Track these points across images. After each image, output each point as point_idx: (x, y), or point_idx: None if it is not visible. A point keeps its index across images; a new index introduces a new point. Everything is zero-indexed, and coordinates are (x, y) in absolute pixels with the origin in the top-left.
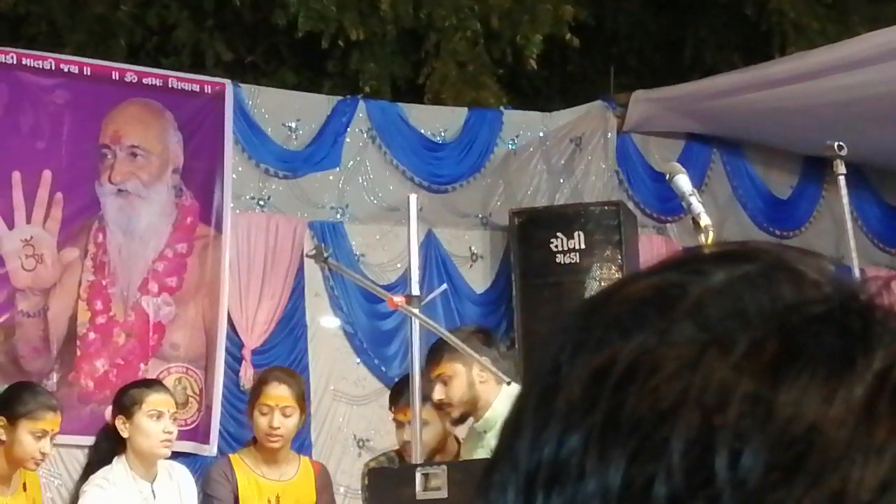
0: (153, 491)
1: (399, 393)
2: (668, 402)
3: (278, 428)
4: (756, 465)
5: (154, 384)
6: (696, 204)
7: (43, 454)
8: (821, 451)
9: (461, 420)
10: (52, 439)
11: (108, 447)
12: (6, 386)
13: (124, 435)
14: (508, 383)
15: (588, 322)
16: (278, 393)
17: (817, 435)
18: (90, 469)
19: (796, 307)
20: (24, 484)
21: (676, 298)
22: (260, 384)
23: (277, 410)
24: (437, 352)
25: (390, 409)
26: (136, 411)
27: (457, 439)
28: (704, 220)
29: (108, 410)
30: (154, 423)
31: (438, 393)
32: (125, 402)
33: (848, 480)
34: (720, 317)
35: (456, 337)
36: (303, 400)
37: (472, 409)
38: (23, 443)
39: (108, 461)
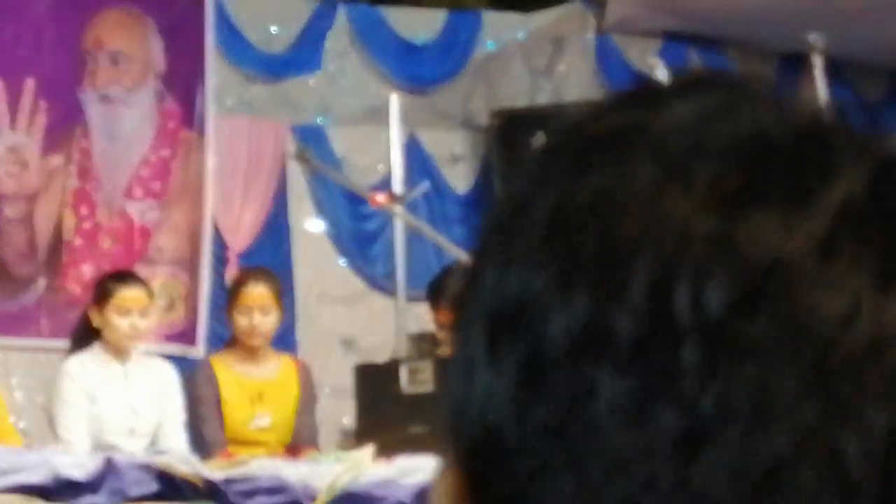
0: (125, 371)
1: (440, 293)
2: (628, 240)
3: (259, 326)
4: (718, 300)
5: (128, 279)
6: None
7: None
8: (783, 285)
9: None
10: None
11: (87, 329)
12: None
13: (95, 324)
14: None
15: (547, 163)
16: (257, 292)
17: (778, 268)
18: (72, 347)
19: (756, 138)
20: None
21: (636, 135)
22: (237, 285)
23: (257, 309)
24: None
25: (431, 308)
26: (106, 304)
27: None
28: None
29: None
30: (120, 319)
31: None
32: (99, 293)
33: (811, 314)
34: (680, 152)
35: None
36: (280, 297)
37: None
38: None
39: (86, 341)
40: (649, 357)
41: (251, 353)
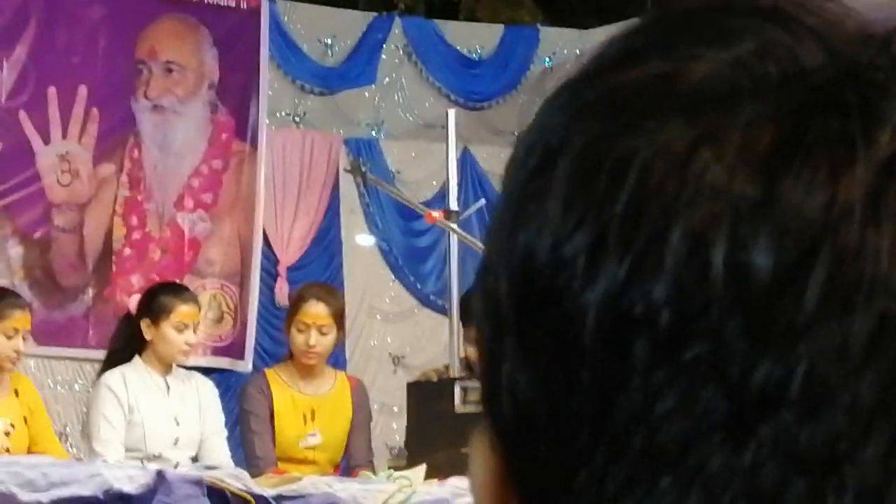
0: (167, 383)
1: (471, 308)
2: (659, 210)
3: (315, 346)
4: (762, 269)
5: (183, 293)
6: None
7: (17, 352)
8: (830, 249)
9: None
10: (24, 338)
11: (129, 340)
12: None
13: (147, 337)
14: None
15: (569, 119)
16: (316, 311)
17: (822, 231)
18: (110, 357)
19: (789, 84)
20: (16, 390)
21: (664, 91)
22: (298, 301)
23: (314, 329)
24: None
25: (464, 325)
26: (163, 319)
27: None
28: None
29: (134, 300)
30: (178, 335)
31: None
32: (153, 307)
33: (865, 276)
34: (711, 108)
35: None
36: (341, 317)
37: None
38: None
39: (128, 352)
40: (690, 335)
41: (306, 370)
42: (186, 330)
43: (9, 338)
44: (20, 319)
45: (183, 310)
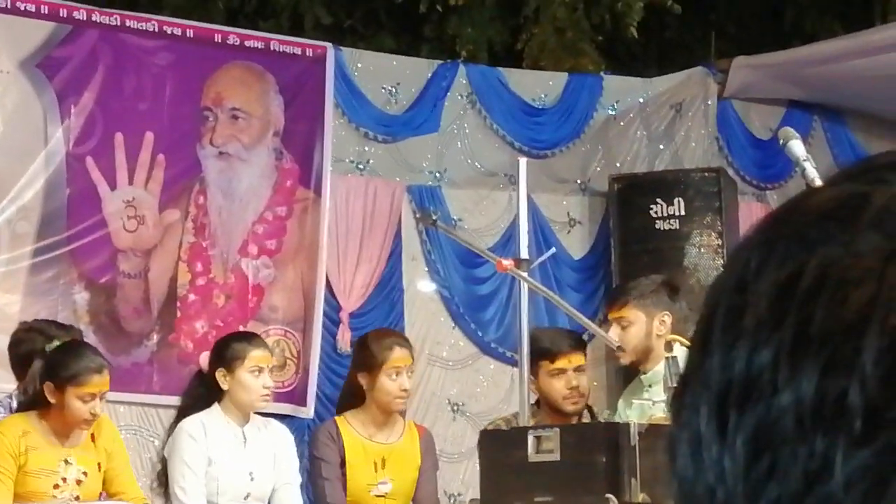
0: (244, 434)
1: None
2: (856, 312)
3: (407, 389)
4: None
5: (254, 339)
6: (811, 169)
7: (93, 414)
8: None
9: (631, 368)
10: (101, 398)
11: (203, 394)
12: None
13: (224, 387)
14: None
15: (771, 237)
16: (403, 355)
17: None
18: (183, 413)
19: None
20: (92, 435)
21: (859, 209)
22: (383, 350)
23: (405, 372)
24: (621, 295)
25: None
26: (237, 366)
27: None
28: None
29: (204, 358)
30: (255, 379)
31: (613, 335)
32: (227, 355)
33: None
34: None
35: (643, 286)
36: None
37: (643, 358)
38: (71, 407)
39: (202, 407)
40: (884, 429)
41: (383, 417)
42: (262, 374)
43: (85, 402)
44: (97, 384)
45: (255, 354)
